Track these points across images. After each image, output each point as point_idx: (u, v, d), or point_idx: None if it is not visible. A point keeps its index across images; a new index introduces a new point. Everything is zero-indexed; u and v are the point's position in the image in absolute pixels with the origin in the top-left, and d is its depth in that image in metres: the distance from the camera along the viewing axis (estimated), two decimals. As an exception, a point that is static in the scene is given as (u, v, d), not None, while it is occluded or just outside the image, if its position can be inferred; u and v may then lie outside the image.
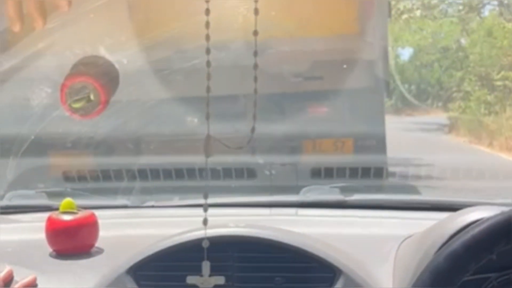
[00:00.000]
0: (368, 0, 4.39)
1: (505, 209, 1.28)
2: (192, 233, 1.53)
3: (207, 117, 1.15)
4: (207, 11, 1.12)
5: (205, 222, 1.22)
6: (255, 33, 1.17)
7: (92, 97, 1.39)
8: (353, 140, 4.17)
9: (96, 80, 1.47)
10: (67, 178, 3.55)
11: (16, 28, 1.21)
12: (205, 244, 1.22)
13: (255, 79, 1.19)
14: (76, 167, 3.67)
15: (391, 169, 3.12)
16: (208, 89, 1.14)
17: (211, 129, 1.22)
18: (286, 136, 4.20)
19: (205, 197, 1.21)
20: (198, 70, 1.25)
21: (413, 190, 2.87)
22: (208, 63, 1.13)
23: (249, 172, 3.39)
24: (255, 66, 1.18)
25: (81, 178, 3.44)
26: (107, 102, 1.39)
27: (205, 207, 1.21)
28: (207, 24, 1.12)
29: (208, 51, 1.13)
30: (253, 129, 1.21)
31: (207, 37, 1.12)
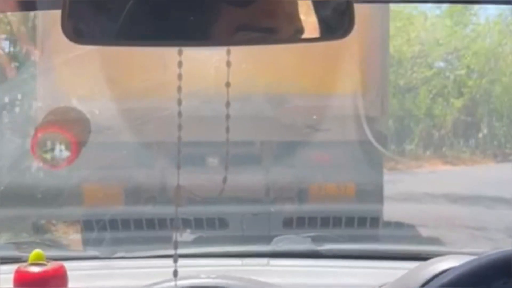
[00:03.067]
0: (372, 62, 4.80)
1: (472, 258, 1.28)
2: (161, 285, 1.51)
3: (178, 167, 1.15)
4: (180, 64, 1.13)
5: (175, 273, 1.21)
6: (228, 84, 1.19)
7: (63, 147, 1.39)
8: (354, 185, 4.40)
9: (67, 130, 1.47)
10: (36, 228, 3.51)
11: None
12: None
13: (227, 129, 1.20)
14: (45, 218, 3.64)
15: (362, 218, 3.13)
16: (179, 139, 1.15)
17: (185, 178, 1.22)
18: (291, 181, 4.39)
19: (175, 247, 1.20)
20: (173, 119, 1.26)
21: (385, 239, 2.88)
22: (180, 114, 1.14)
23: (221, 222, 3.38)
24: (227, 116, 1.19)
25: (51, 229, 3.40)
26: (78, 152, 1.38)
27: (175, 258, 1.20)
28: (180, 76, 1.13)
29: (179, 102, 1.14)
30: (224, 179, 1.21)
31: (179, 89, 1.13)
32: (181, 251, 1.92)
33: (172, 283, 1.33)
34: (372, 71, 4.78)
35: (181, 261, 1.71)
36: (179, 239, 1.82)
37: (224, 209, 3.40)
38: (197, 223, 3.09)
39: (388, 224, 3.13)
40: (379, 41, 4.87)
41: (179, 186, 1.17)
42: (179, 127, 1.13)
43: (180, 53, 1.13)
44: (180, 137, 1.14)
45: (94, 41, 1.07)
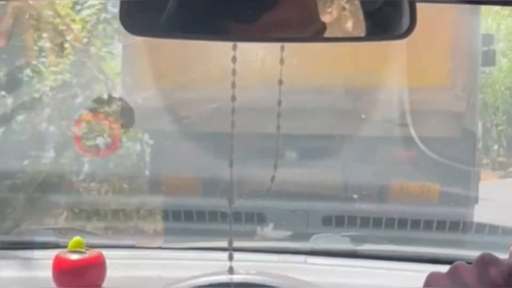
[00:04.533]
0: (460, 55, 4.62)
1: None
2: (217, 277, 1.52)
3: (231, 164, 1.15)
4: (234, 59, 1.12)
5: (230, 270, 1.22)
6: (280, 82, 1.18)
7: (106, 136, 1.39)
8: (439, 186, 4.30)
9: (111, 119, 1.47)
10: (77, 215, 3.54)
11: (32, 62, 1.23)
12: None
13: (278, 128, 1.19)
14: (87, 205, 3.67)
15: (403, 219, 3.10)
16: (232, 136, 1.14)
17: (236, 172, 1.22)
18: (374, 179, 4.31)
19: (230, 245, 1.20)
20: (225, 114, 1.25)
21: (427, 242, 2.84)
22: (233, 110, 1.13)
23: (260, 217, 3.37)
24: (279, 115, 1.18)
25: (92, 216, 3.43)
26: (120, 141, 1.39)
27: (231, 255, 1.21)
28: (234, 72, 1.13)
29: (233, 98, 1.13)
30: (272, 178, 1.20)
31: (233, 84, 1.12)
32: (217, 244, 1.92)
33: (228, 277, 1.34)
34: (458, 65, 4.56)
35: (217, 255, 1.71)
36: (215, 232, 1.81)
37: (270, 205, 3.39)
38: (236, 218, 3.08)
39: (434, 226, 3.08)
40: (467, 35, 4.68)
41: (232, 184, 1.16)
42: (232, 123, 1.13)
43: (234, 47, 1.12)
44: (233, 134, 1.13)
45: (151, 33, 1.08)
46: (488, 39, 5.80)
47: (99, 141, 3.73)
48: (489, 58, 5.64)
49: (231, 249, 1.20)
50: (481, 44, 5.29)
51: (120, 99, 3.89)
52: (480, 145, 5.25)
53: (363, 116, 4.32)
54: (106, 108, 3.76)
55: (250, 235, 3.04)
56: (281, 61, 1.17)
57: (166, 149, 4.27)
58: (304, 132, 4.21)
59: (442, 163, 4.33)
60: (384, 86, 4.33)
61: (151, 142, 4.16)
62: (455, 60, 4.57)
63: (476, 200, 4.54)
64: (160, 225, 3.33)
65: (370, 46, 3.72)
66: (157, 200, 4.09)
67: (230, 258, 1.22)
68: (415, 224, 2.96)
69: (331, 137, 4.44)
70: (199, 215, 3.18)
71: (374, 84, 4.31)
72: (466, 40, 4.67)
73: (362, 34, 1.04)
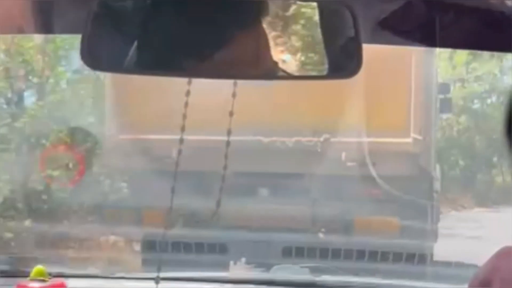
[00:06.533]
0: (418, 102, 4.82)
1: None
2: None
3: (172, 191, 1.19)
4: (188, 92, 1.17)
5: None
6: (231, 113, 1.23)
7: (70, 166, 1.42)
8: (397, 220, 4.44)
9: (77, 151, 1.50)
10: (40, 244, 3.53)
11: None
12: None
13: (226, 156, 1.24)
14: (49, 234, 3.66)
15: (361, 251, 3.14)
16: (176, 165, 1.19)
17: (180, 202, 1.26)
18: (338, 214, 4.43)
19: (158, 270, 1.24)
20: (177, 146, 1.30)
21: (385, 273, 2.88)
22: (181, 140, 1.18)
23: (220, 247, 3.39)
24: (228, 143, 1.23)
25: (54, 245, 3.42)
26: (84, 172, 1.42)
27: (157, 279, 1.23)
28: (186, 105, 1.17)
29: (183, 128, 1.18)
30: (218, 203, 1.25)
31: (184, 117, 1.17)
32: (179, 274, 1.95)
33: None
34: (414, 109, 4.78)
35: (177, 284, 1.74)
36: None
37: (226, 235, 3.41)
38: (198, 247, 3.10)
39: (391, 257, 3.13)
40: (422, 80, 4.89)
41: (171, 209, 1.21)
42: (179, 152, 1.18)
43: (189, 83, 1.17)
44: (177, 163, 1.18)
45: (110, 68, 1.11)
46: (445, 87, 6.12)
47: (64, 171, 3.73)
48: (446, 105, 5.98)
49: (158, 275, 1.23)
50: (438, 92, 5.57)
51: (86, 131, 3.91)
52: (438, 185, 5.49)
53: (326, 155, 4.48)
54: (73, 140, 3.78)
55: (210, 266, 3.06)
56: (233, 95, 1.23)
57: (125, 182, 4.30)
58: (272, 170, 4.39)
59: (401, 200, 4.50)
60: (348, 129, 4.51)
61: (110, 177, 4.17)
62: (413, 105, 4.78)
63: (436, 236, 4.72)
64: (121, 254, 3.33)
65: (331, 91, 3.91)
66: (121, 230, 4.09)
67: (157, 282, 1.25)
68: (373, 255, 3.01)
69: (298, 175, 4.57)
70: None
71: (336, 127, 4.50)
72: (423, 87, 4.91)
73: (312, 73, 1.09)
